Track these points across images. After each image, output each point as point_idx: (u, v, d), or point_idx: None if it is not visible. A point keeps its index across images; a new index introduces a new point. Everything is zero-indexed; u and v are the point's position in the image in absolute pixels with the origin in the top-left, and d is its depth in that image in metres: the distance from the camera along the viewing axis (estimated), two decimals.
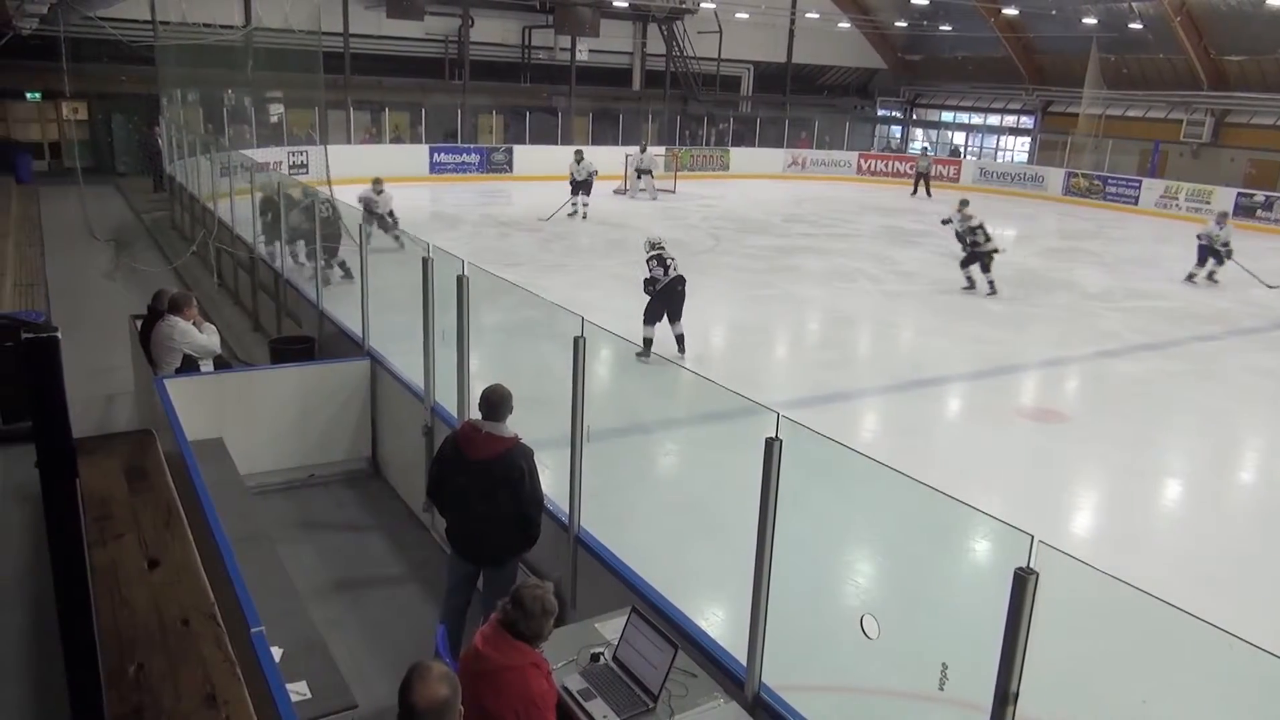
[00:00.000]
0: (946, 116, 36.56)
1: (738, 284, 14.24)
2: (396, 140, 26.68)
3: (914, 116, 37.33)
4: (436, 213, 20.24)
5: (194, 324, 6.76)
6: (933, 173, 27.96)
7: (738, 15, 30.40)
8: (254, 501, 5.96)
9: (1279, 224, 23.01)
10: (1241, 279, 15.75)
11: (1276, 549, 6.83)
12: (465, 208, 21.05)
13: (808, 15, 32.23)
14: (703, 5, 29.55)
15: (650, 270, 10.03)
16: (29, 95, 23.78)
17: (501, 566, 4.54)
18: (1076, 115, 29.56)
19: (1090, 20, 27.30)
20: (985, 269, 14.11)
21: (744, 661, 3.52)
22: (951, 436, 8.90)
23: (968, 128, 35.89)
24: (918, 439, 8.58)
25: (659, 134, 30.07)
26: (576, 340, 4.25)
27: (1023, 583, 2.42)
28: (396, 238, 13.54)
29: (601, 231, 18.62)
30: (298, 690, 3.66)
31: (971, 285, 14.29)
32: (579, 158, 19.93)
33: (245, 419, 6.58)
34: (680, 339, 10.10)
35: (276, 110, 20.75)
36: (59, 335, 2.59)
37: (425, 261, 5.82)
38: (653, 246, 10.19)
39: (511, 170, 26.42)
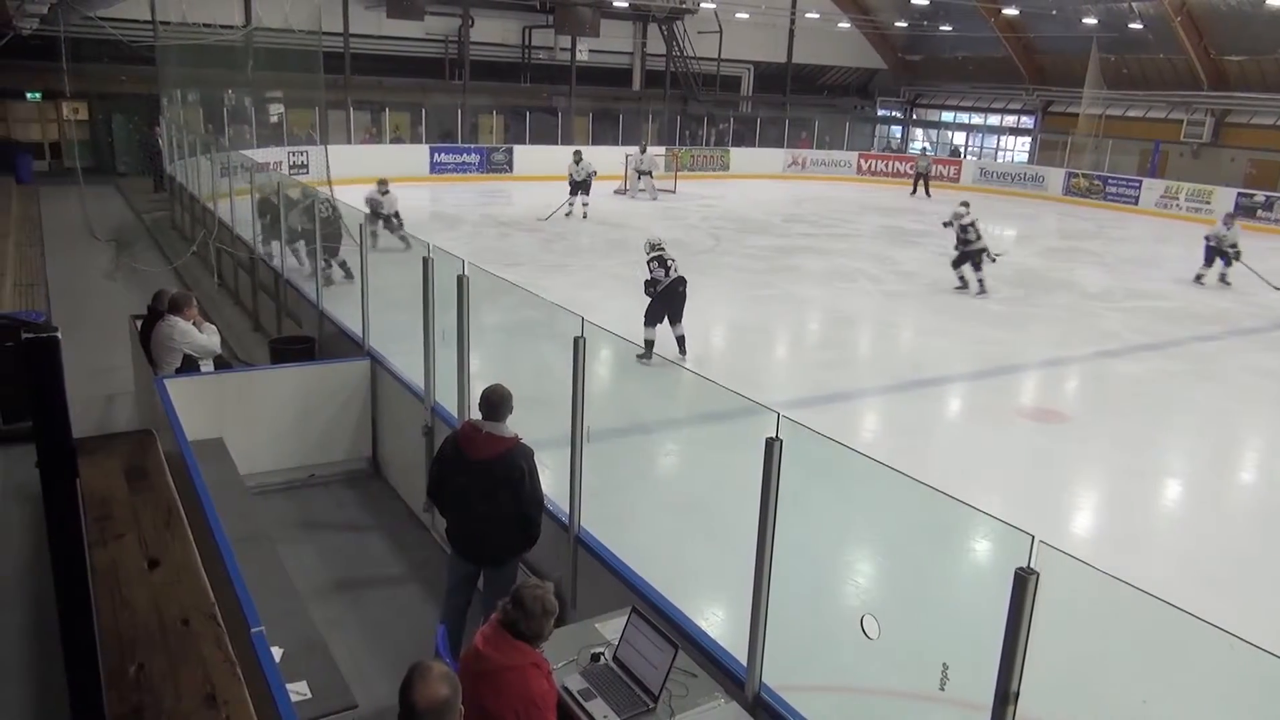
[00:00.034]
0: (947, 116, 36.56)
1: (738, 284, 14.23)
2: (397, 140, 26.69)
3: (914, 116, 37.32)
4: (436, 213, 20.23)
5: (194, 324, 6.76)
6: (933, 173, 27.98)
7: (738, 15, 30.38)
8: (254, 501, 5.96)
9: (1279, 224, 23.01)
10: (1242, 279, 15.76)
11: (1277, 549, 6.82)
12: (465, 208, 21.05)
13: (808, 15, 32.22)
14: (703, 5, 29.54)
15: (651, 271, 9.97)
16: (29, 95, 23.77)
17: (502, 566, 4.54)
18: (1077, 115, 29.54)
19: (1090, 20, 27.30)
20: (976, 268, 14.11)
21: (744, 661, 3.52)
22: (952, 436, 8.90)
23: (968, 128, 35.88)
24: (918, 439, 8.58)
25: (659, 134, 30.06)
26: (576, 340, 4.25)
27: (1023, 583, 2.42)
28: (403, 238, 13.57)
29: (602, 232, 18.61)
30: (298, 690, 3.66)
31: (964, 285, 14.28)
32: (578, 158, 19.93)
33: (245, 419, 6.58)
34: (681, 341, 10.04)
35: (276, 110, 20.75)
36: (59, 335, 2.60)
37: (425, 261, 5.83)
38: (653, 248, 10.12)
39: (512, 170, 26.41)
